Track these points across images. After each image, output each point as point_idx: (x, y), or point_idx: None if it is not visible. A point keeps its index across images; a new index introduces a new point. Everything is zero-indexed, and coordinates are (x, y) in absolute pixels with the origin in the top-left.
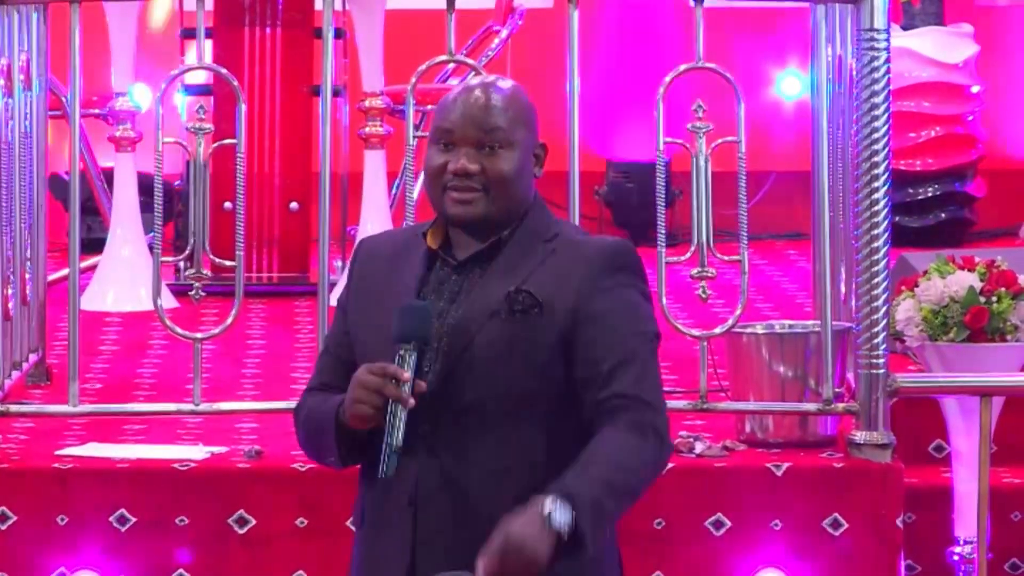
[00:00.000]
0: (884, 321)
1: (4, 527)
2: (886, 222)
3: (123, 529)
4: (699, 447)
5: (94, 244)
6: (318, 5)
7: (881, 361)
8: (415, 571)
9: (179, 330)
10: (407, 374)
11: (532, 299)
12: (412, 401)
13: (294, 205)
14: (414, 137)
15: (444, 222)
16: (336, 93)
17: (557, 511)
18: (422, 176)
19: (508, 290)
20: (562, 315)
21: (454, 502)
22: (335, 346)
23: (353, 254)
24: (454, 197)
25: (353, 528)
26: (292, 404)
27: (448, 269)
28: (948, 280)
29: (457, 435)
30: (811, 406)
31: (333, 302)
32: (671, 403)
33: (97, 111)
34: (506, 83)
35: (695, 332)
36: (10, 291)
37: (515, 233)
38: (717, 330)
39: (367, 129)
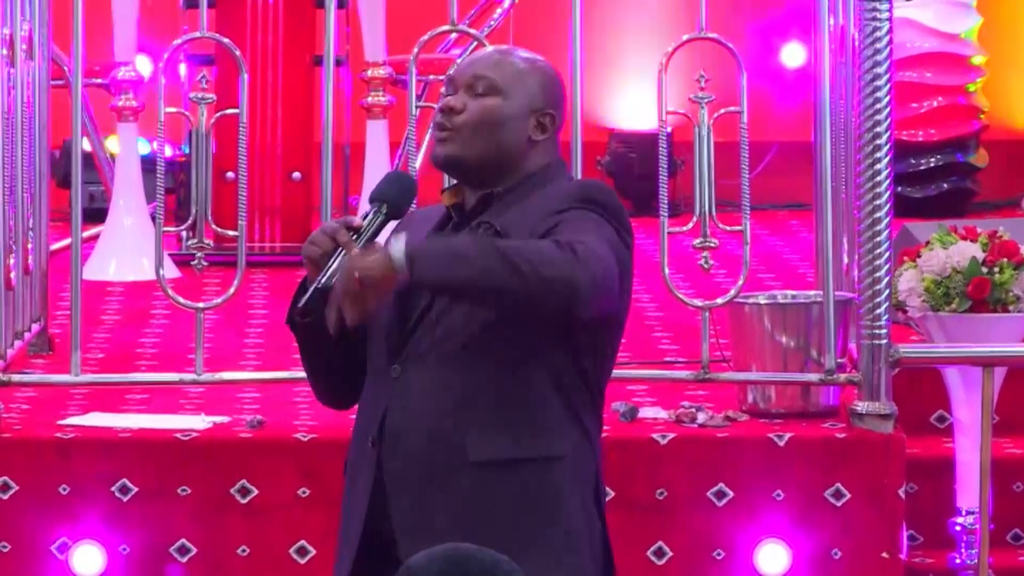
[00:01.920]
0: (886, 291)
1: (6, 497)
2: (888, 192)
3: (125, 499)
4: (701, 417)
5: (96, 214)
6: None
7: (883, 331)
8: (374, 511)
9: (181, 300)
10: (359, 221)
11: (490, 228)
12: (356, 249)
13: (296, 175)
14: (416, 107)
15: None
16: (338, 63)
17: (395, 247)
18: (424, 146)
19: (471, 225)
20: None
21: (415, 441)
22: None
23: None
24: (435, 135)
25: None
26: (295, 374)
27: (455, 225)
28: (950, 250)
29: (423, 376)
30: (813, 376)
31: None
32: (673, 373)
33: (99, 81)
34: (525, 50)
35: (697, 302)
36: (12, 261)
37: (516, 192)
38: (719, 300)
39: (369, 99)
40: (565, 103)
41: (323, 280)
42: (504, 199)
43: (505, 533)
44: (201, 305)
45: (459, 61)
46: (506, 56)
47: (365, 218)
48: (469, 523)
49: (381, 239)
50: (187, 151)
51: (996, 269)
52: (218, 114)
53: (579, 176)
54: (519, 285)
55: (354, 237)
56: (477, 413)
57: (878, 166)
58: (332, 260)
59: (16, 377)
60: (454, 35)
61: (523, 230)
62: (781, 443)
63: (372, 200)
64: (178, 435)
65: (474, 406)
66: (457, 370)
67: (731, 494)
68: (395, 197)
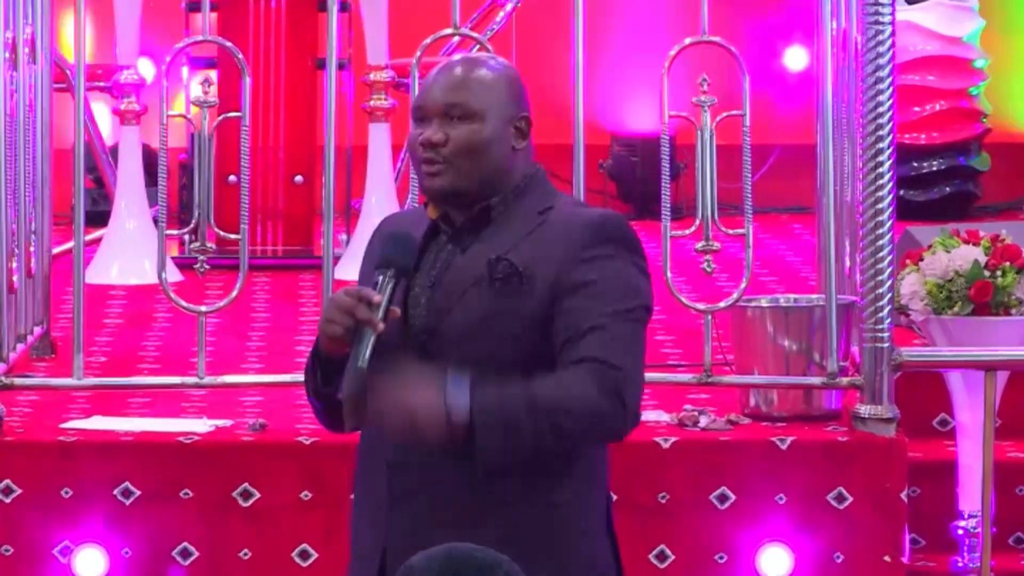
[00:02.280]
0: (889, 295)
1: (8, 500)
2: (891, 196)
3: (127, 502)
4: (703, 421)
5: (99, 217)
6: None
7: (886, 335)
8: (388, 533)
9: (183, 303)
10: (378, 297)
11: (512, 268)
12: (381, 325)
13: (299, 178)
14: None
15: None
16: (341, 66)
17: (454, 386)
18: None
19: (489, 258)
20: (543, 286)
21: (425, 466)
22: None
23: (374, 232)
24: (424, 170)
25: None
26: (297, 377)
27: (445, 238)
28: (953, 254)
29: None
30: (816, 380)
31: (338, 275)
32: (675, 377)
33: (102, 84)
34: (483, 56)
35: (700, 306)
36: (15, 264)
37: (508, 204)
38: (722, 304)
39: (372, 102)
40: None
41: (358, 364)
42: (497, 211)
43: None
44: (203, 308)
45: (420, 88)
46: (469, 73)
47: (376, 287)
48: (482, 526)
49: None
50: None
51: (998, 273)
52: (220, 117)
53: (580, 181)
54: (569, 444)
55: (366, 304)
56: None
57: (880, 169)
58: (361, 340)
59: (19, 380)
60: (456, 39)
61: (547, 268)
62: (783, 446)
63: (379, 267)
64: (180, 438)
65: None
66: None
67: (733, 497)
68: (401, 258)
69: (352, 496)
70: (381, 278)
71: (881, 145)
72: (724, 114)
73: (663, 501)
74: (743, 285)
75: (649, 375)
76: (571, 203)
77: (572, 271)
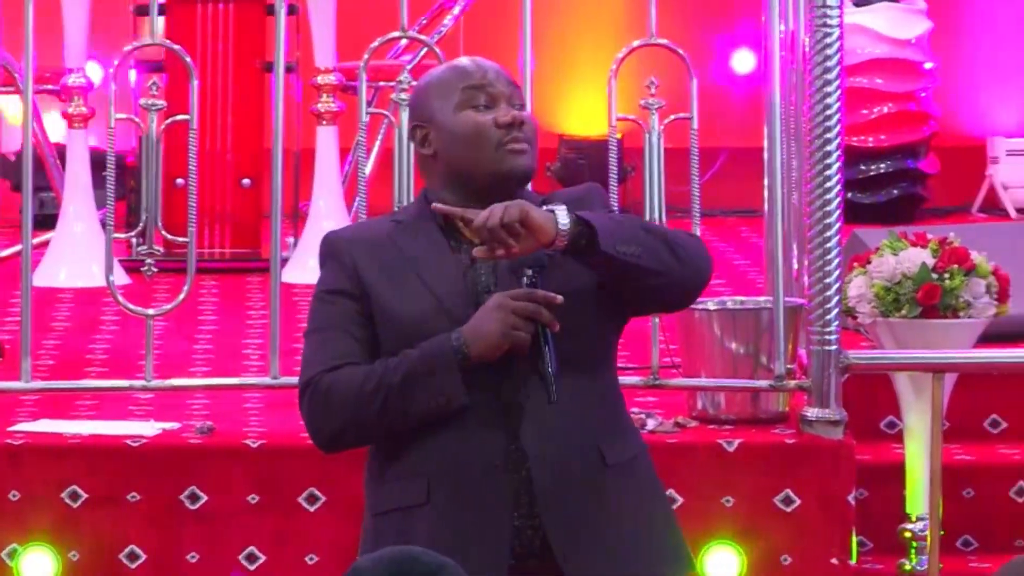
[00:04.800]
0: (836, 298)
1: None
2: (838, 199)
3: (75, 505)
4: (651, 423)
5: (47, 220)
6: None
7: (833, 338)
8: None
9: (131, 306)
10: (559, 297)
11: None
12: (557, 325)
13: (246, 181)
14: (367, 113)
15: (490, 182)
16: (289, 69)
17: (558, 208)
18: (374, 153)
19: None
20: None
21: (559, 457)
22: (350, 327)
23: (331, 246)
24: (510, 148)
25: (395, 509)
26: (244, 380)
27: (468, 248)
28: (900, 256)
29: (540, 394)
30: (763, 383)
31: (285, 278)
32: (622, 379)
33: (50, 87)
34: None
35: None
36: None
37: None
38: None
39: (320, 105)
40: None
41: (554, 366)
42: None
43: (638, 525)
44: (151, 311)
45: (473, 69)
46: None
47: (529, 286)
48: (613, 523)
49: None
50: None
51: (946, 275)
52: (168, 120)
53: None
54: (676, 270)
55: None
56: (598, 419)
57: (828, 172)
58: (545, 343)
59: None
60: (404, 41)
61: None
62: (731, 449)
63: (518, 268)
64: (128, 441)
65: (594, 412)
66: (574, 376)
67: (681, 500)
68: (537, 255)
69: (406, 506)
70: (529, 277)
71: (829, 148)
72: (672, 117)
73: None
74: None
75: None
76: (551, 196)
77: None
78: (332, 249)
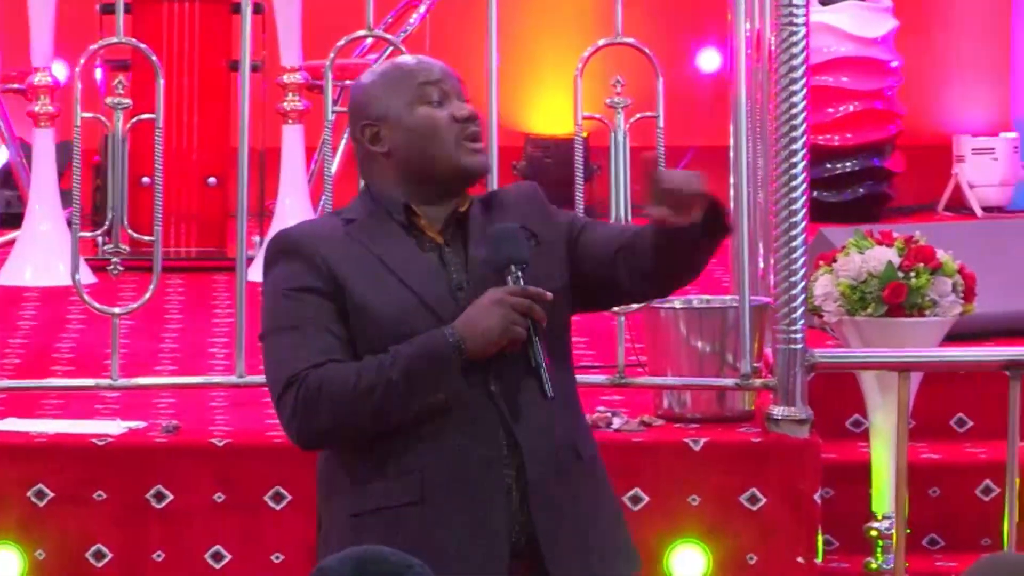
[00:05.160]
0: (802, 296)
1: None
2: (804, 197)
3: (41, 504)
4: (617, 422)
5: (12, 219)
6: None
7: (799, 336)
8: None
9: (97, 305)
10: (549, 294)
11: (531, 233)
12: (545, 319)
13: (212, 180)
14: (332, 112)
15: (449, 178)
16: (254, 68)
17: None
18: (340, 151)
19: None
20: (557, 233)
21: (546, 451)
22: (330, 325)
23: (292, 243)
24: (470, 147)
25: (384, 507)
26: (210, 379)
27: (432, 243)
28: (866, 255)
29: (524, 388)
30: (729, 381)
31: (251, 277)
32: (588, 378)
33: (16, 86)
34: None
35: (613, 307)
36: None
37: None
38: (635, 305)
39: (285, 104)
40: None
41: (540, 361)
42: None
43: (605, 522)
44: (117, 310)
45: (423, 66)
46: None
47: (517, 283)
48: (588, 520)
49: None
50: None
51: (912, 274)
52: (134, 119)
53: (495, 182)
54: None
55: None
56: (571, 414)
57: (794, 171)
58: (533, 338)
59: None
60: (370, 40)
61: (544, 231)
62: (697, 448)
63: (503, 267)
64: (94, 440)
65: (567, 408)
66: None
67: (647, 499)
68: (518, 251)
69: (395, 505)
70: (515, 275)
71: (795, 146)
72: (638, 115)
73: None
74: None
75: None
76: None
77: (559, 218)
78: (294, 246)
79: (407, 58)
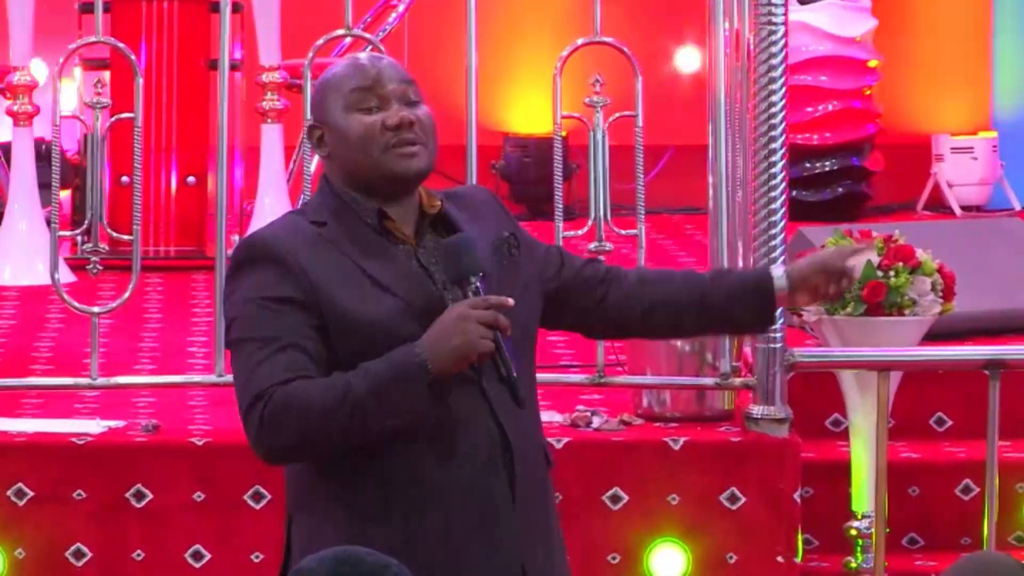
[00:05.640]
0: None
1: None
2: (783, 196)
3: (20, 503)
4: (596, 421)
5: None
6: None
7: (778, 336)
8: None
9: (76, 304)
10: (511, 300)
11: (515, 239)
12: (509, 329)
13: (191, 179)
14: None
15: (385, 184)
16: (234, 67)
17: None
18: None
19: (495, 238)
20: (532, 247)
21: (532, 453)
22: (303, 340)
23: (266, 249)
24: (400, 152)
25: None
26: (190, 379)
27: (406, 247)
28: None
29: (503, 388)
30: (708, 380)
31: None
32: (568, 377)
33: None
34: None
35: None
36: None
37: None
38: None
39: (264, 103)
40: None
41: (512, 372)
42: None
43: (557, 528)
44: (96, 309)
45: (364, 69)
46: (391, 59)
47: (477, 293)
48: (554, 521)
49: None
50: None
51: (891, 273)
52: (113, 118)
53: (473, 181)
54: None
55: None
56: (538, 420)
57: (773, 170)
58: (500, 349)
59: None
60: (349, 39)
61: (498, 231)
62: (676, 447)
63: (463, 277)
64: (73, 439)
65: (536, 411)
66: (523, 382)
67: (626, 498)
68: (477, 262)
69: (366, 519)
70: (474, 287)
71: (774, 146)
72: (617, 115)
73: (556, 502)
74: None
75: (541, 376)
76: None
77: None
78: (268, 252)
79: (361, 57)
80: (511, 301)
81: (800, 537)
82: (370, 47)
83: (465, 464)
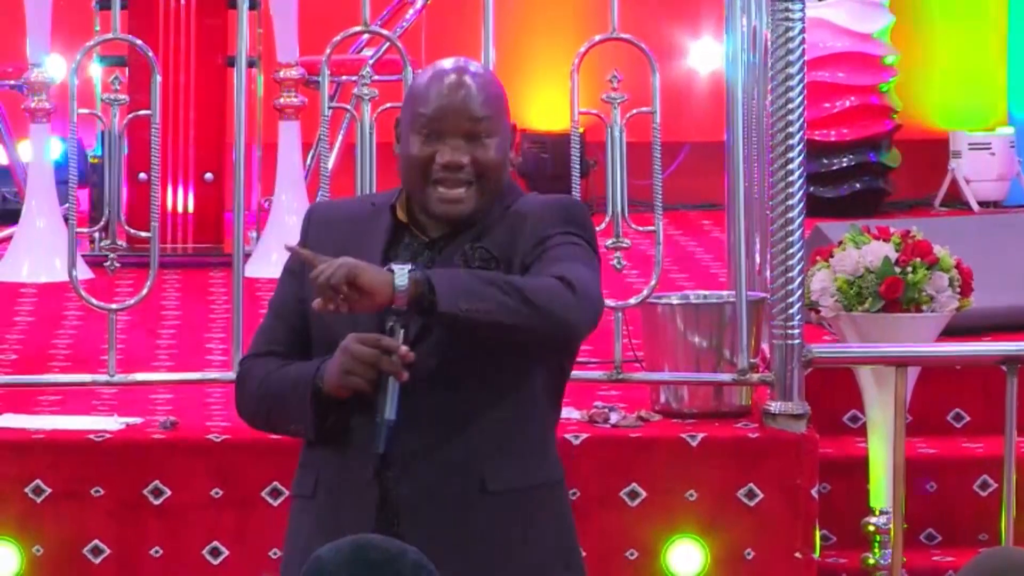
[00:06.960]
0: (799, 291)
1: None
2: (801, 192)
3: (39, 500)
4: (614, 417)
5: (9, 215)
6: None
7: (796, 331)
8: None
9: (94, 301)
10: (403, 348)
11: (488, 254)
12: (406, 375)
13: (209, 176)
14: (328, 108)
15: (422, 214)
16: (251, 64)
17: (398, 268)
18: (337, 147)
19: (463, 247)
20: (517, 267)
21: (429, 468)
22: (286, 312)
23: (306, 219)
24: (441, 194)
25: (297, 495)
26: (207, 375)
27: (419, 244)
28: (863, 250)
29: (429, 401)
30: (726, 376)
31: (248, 273)
32: (585, 374)
33: (12, 82)
34: (479, 66)
35: (610, 303)
36: None
37: (492, 213)
38: (632, 300)
39: (282, 100)
40: None
41: (387, 416)
42: (484, 223)
43: (512, 560)
44: (114, 306)
45: (427, 99)
46: (479, 84)
47: (389, 333)
48: (485, 551)
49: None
50: (99, 153)
51: (909, 269)
52: (130, 115)
53: None
54: (533, 322)
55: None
56: (488, 441)
57: (790, 166)
58: (386, 391)
59: None
60: (366, 36)
61: (514, 253)
62: (694, 443)
63: (385, 313)
64: (91, 436)
65: (483, 434)
66: (461, 396)
67: (644, 494)
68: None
69: (301, 497)
70: (392, 323)
71: (791, 142)
72: (634, 111)
73: (573, 498)
74: (653, 282)
75: None
76: (532, 195)
77: (535, 247)
78: (306, 220)
79: (441, 76)
80: (410, 354)
81: (818, 533)
82: (387, 44)
83: (342, 466)
